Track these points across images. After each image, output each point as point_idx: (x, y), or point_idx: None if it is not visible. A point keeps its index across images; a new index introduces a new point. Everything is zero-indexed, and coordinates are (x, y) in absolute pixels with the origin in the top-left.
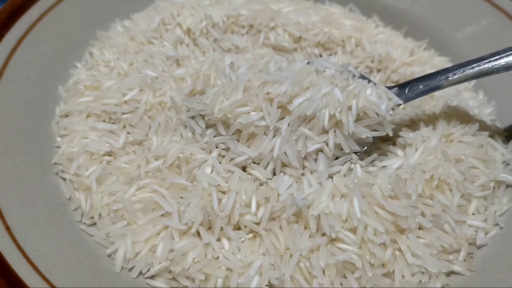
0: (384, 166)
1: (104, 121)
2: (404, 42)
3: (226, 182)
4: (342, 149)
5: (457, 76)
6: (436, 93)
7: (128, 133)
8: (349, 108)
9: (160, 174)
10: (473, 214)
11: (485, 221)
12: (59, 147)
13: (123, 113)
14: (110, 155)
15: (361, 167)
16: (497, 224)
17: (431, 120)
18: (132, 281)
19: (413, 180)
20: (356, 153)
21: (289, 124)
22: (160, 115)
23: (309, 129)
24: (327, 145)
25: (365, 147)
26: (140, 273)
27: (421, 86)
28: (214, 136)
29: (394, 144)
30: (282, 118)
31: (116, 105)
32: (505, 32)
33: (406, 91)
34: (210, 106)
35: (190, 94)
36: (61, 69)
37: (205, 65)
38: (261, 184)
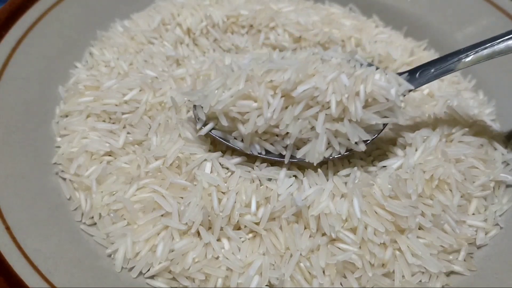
0: (384, 166)
1: (104, 121)
2: (404, 42)
3: (225, 182)
4: (349, 139)
5: (470, 57)
6: (436, 93)
7: (128, 133)
8: (357, 93)
9: (160, 174)
10: (473, 214)
11: (485, 221)
12: (59, 147)
13: (123, 113)
14: (110, 155)
15: (361, 166)
16: (497, 224)
17: (431, 120)
18: (132, 281)
19: (413, 180)
20: (365, 142)
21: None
22: (160, 115)
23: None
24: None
25: (375, 135)
26: (140, 273)
27: (432, 70)
28: (213, 129)
29: (394, 144)
30: (286, 107)
31: (116, 105)
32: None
33: (417, 76)
34: (209, 98)
35: None
36: (61, 69)
37: (205, 65)
38: (260, 184)
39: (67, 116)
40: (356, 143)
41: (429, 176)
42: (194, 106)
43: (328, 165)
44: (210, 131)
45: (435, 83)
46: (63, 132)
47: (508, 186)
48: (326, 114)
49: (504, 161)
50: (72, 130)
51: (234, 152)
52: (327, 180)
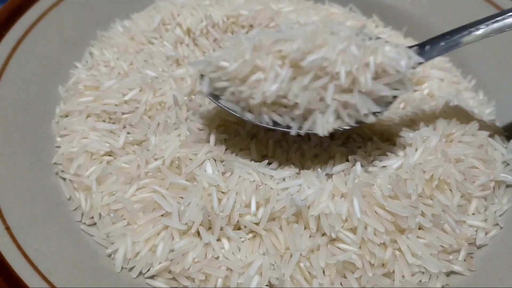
0: (384, 166)
1: (104, 121)
2: (404, 42)
3: (225, 182)
4: (358, 110)
5: (481, 30)
6: (436, 93)
7: (128, 133)
8: (367, 64)
9: (160, 174)
10: (473, 214)
11: (485, 221)
12: (59, 147)
13: (123, 113)
14: (110, 155)
15: (362, 166)
16: (497, 224)
17: (431, 120)
18: (132, 281)
19: (413, 180)
20: (374, 113)
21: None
22: (160, 115)
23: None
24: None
25: (387, 107)
26: (140, 273)
27: (442, 43)
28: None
29: (394, 144)
30: (294, 78)
31: (116, 105)
32: (505, 32)
33: (426, 49)
34: (215, 66)
35: (190, 95)
36: (61, 69)
37: None
38: (260, 184)
39: (67, 116)
40: (365, 115)
41: (429, 176)
42: (201, 76)
43: (327, 165)
44: (218, 101)
45: (435, 83)
46: (63, 132)
47: (508, 186)
48: (335, 85)
49: (504, 161)
50: (72, 130)
51: (235, 150)
52: (327, 180)
